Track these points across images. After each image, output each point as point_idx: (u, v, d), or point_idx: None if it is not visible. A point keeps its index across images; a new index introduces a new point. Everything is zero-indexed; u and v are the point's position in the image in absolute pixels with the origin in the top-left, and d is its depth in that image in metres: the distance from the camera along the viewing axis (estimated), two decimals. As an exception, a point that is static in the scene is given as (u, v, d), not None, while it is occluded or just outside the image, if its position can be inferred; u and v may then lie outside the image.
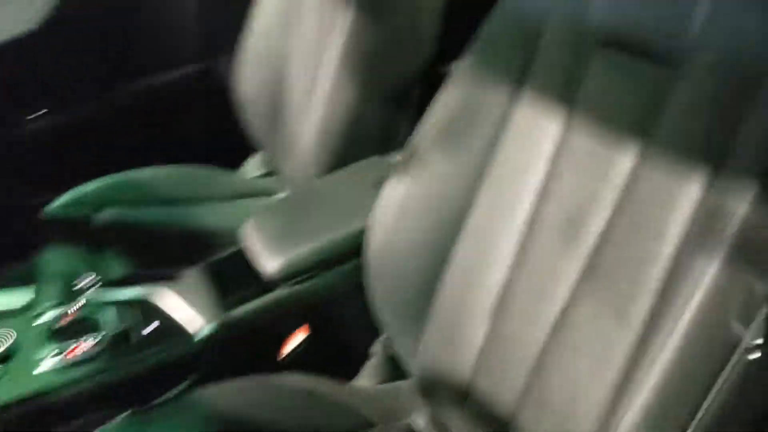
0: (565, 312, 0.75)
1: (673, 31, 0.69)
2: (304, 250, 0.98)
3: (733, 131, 0.64)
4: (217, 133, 1.59)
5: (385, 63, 1.16)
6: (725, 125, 0.64)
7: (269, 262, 0.96)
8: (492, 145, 0.83)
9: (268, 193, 1.42)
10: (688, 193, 0.66)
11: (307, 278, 0.99)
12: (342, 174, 1.12)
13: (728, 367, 0.60)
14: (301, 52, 1.30)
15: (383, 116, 1.20)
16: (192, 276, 1.14)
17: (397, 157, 1.12)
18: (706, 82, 0.66)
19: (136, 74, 1.61)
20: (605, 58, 0.75)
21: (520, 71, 0.82)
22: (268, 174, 1.54)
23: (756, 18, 0.64)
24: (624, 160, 0.72)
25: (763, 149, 0.61)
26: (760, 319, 0.58)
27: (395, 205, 0.90)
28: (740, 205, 0.61)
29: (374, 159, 1.13)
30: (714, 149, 0.65)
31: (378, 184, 0.94)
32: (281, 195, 1.39)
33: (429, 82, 1.15)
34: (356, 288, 0.96)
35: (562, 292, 0.75)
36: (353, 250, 0.96)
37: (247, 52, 1.41)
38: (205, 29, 1.64)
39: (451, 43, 1.11)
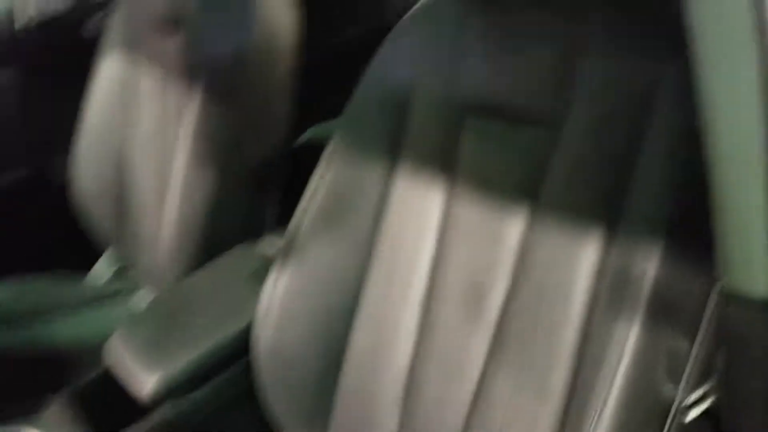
0: (479, 389, 0.72)
1: (549, 94, 0.69)
2: (182, 361, 0.89)
3: (623, 186, 0.63)
4: (59, 237, 1.46)
5: (241, 147, 1.10)
6: (614, 180, 0.64)
7: (144, 382, 0.87)
8: (376, 221, 0.80)
9: (126, 294, 1.31)
10: (586, 253, 0.65)
11: (191, 390, 0.90)
12: (212, 270, 1.04)
13: (666, 430, 0.59)
14: (144, 143, 1.22)
15: (245, 201, 1.14)
16: (54, 407, 1.01)
17: (266, 244, 1.07)
18: (588, 140, 0.66)
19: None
20: (479, 125, 0.74)
21: (394, 143, 0.80)
22: (121, 272, 1.43)
23: (634, 70, 0.65)
24: (514, 226, 0.71)
25: (661, 202, 0.61)
26: (686, 377, 0.57)
27: (280, 298, 0.85)
28: (649, 265, 0.60)
29: (242, 248, 1.07)
30: (606, 206, 0.64)
31: (253, 276, 0.89)
32: (141, 294, 1.29)
33: (291, 161, 1.11)
34: (247, 391, 0.89)
35: (473, 367, 0.72)
36: (239, 352, 0.89)
37: (82, 149, 1.33)
38: (33, 130, 1.51)
39: (311, 118, 1.09)
